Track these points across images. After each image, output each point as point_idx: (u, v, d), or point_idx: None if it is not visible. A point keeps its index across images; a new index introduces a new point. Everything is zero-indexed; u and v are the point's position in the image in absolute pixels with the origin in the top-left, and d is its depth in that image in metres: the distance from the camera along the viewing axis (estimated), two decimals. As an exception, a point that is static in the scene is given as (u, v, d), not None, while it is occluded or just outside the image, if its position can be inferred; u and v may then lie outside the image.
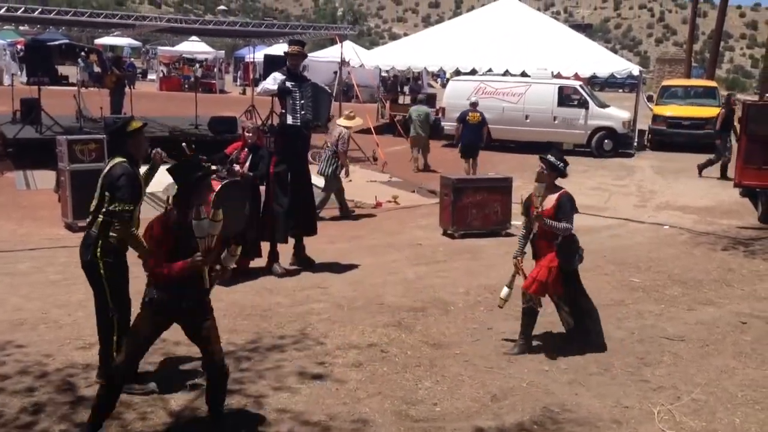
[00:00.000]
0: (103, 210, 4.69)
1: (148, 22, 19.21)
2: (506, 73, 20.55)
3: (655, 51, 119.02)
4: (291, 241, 8.23)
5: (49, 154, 10.80)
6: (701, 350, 6.00)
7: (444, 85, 26.46)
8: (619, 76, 23.03)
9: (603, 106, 19.80)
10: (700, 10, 55.75)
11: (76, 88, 17.37)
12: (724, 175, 15.30)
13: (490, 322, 6.51)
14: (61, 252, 8.36)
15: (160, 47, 42.11)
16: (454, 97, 19.32)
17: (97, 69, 28.86)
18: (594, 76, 22.87)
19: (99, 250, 4.65)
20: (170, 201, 4.53)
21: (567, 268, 5.70)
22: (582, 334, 5.92)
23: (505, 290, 5.87)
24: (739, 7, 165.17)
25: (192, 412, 4.58)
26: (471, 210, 10.07)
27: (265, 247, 8.00)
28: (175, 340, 5.51)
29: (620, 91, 44.45)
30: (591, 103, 19.17)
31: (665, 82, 25.31)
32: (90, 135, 11.42)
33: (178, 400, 4.76)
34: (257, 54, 27.27)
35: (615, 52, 48.68)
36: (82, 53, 31.86)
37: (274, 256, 8.01)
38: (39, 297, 6.92)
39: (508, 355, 5.73)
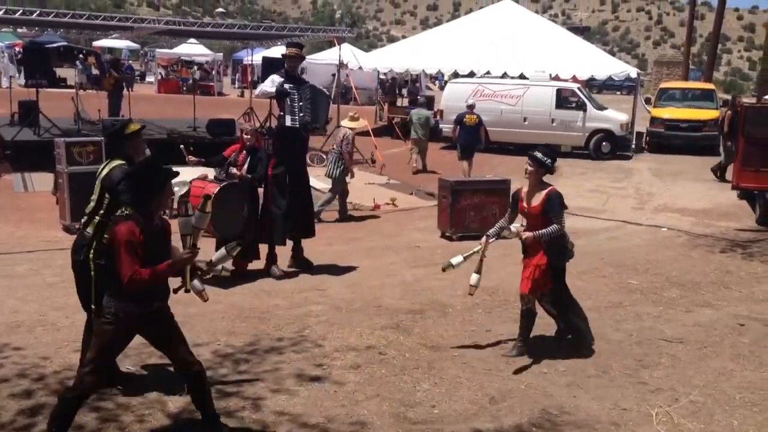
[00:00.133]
0: (102, 212, 4.69)
1: (146, 24, 19.18)
2: (504, 75, 20.55)
3: (652, 53, 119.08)
4: (289, 243, 8.23)
5: (47, 157, 10.79)
6: (699, 352, 6.01)
7: (442, 88, 26.46)
8: (616, 79, 23.06)
9: (601, 108, 19.82)
10: (697, 12, 55.83)
11: (74, 90, 17.33)
12: (722, 177, 15.32)
13: (488, 325, 6.51)
14: (58, 254, 8.34)
15: (158, 49, 42.07)
16: (453, 99, 19.31)
17: (95, 71, 28.80)
18: (592, 79, 22.90)
19: (93, 251, 4.65)
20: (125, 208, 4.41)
21: (557, 264, 5.65)
22: (572, 331, 5.90)
23: (474, 276, 5.69)
24: (736, 9, 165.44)
25: (190, 414, 4.56)
26: (469, 212, 10.08)
27: (264, 249, 8.00)
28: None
29: (618, 93, 44.53)
30: (589, 106, 19.18)
31: (663, 85, 25.31)
32: (88, 137, 11.42)
33: (176, 402, 4.76)
34: (255, 56, 27.25)
35: (613, 54, 48.77)
36: (80, 55, 31.78)
37: (272, 258, 8.01)
38: (36, 299, 6.92)
39: (507, 357, 5.73)
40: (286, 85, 7.82)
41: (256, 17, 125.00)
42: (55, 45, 29.15)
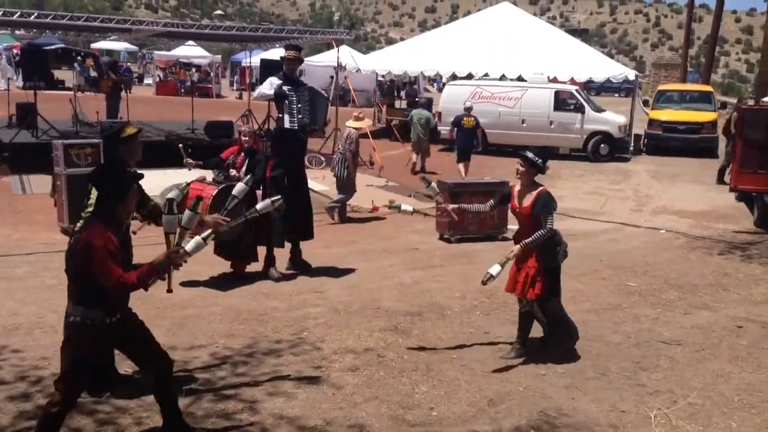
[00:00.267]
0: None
1: (144, 26, 19.22)
2: (503, 77, 20.58)
3: (650, 56, 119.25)
4: (287, 245, 8.23)
5: (45, 159, 10.77)
6: (697, 354, 6.01)
7: (440, 90, 26.49)
8: (615, 81, 23.07)
9: (599, 110, 19.83)
10: (695, 14, 55.88)
11: (72, 92, 17.32)
12: (720, 180, 15.34)
13: (486, 327, 6.51)
14: (56, 257, 8.30)
15: (156, 52, 42.11)
16: (451, 101, 19.33)
17: (93, 73, 28.72)
18: (590, 81, 22.95)
19: None
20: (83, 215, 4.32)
21: (550, 265, 5.62)
22: (553, 335, 5.89)
23: (496, 267, 5.43)
24: (734, 11, 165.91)
25: (188, 416, 4.56)
26: (467, 214, 10.05)
27: (262, 251, 7.99)
28: (171, 345, 5.50)
29: (616, 95, 44.58)
30: (587, 108, 19.20)
31: (661, 87, 25.35)
32: (86, 139, 11.41)
33: (174, 405, 4.74)
34: (254, 58, 27.25)
35: (611, 56, 48.85)
36: (79, 57, 31.67)
37: (270, 260, 8.00)
38: (34, 302, 6.91)
39: (505, 359, 5.73)
40: (285, 88, 7.82)
41: (255, 19, 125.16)
42: (53, 47, 29.04)
